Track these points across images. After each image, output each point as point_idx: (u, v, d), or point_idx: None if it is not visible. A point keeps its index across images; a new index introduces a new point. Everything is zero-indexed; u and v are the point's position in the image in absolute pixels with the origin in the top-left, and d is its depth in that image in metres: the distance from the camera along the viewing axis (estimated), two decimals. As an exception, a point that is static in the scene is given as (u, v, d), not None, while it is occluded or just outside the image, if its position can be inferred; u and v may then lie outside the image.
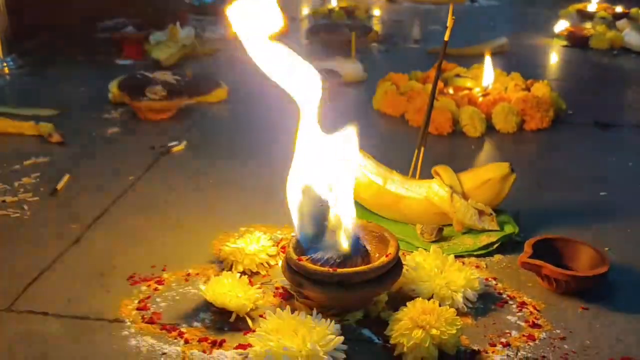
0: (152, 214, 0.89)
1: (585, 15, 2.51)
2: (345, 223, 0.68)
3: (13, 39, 1.69)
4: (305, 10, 2.69)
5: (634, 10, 2.45)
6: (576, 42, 2.05)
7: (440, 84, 1.40)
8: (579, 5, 2.60)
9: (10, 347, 0.62)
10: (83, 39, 1.91)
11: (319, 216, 0.68)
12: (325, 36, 1.87)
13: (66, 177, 0.98)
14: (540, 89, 1.33)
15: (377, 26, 2.37)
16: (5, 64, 1.64)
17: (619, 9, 2.54)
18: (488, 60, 1.36)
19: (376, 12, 2.67)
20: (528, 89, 1.37)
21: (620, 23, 2.16)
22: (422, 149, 0.85)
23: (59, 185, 0.96)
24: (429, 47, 1.96)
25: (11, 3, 1.72)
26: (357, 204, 0.87)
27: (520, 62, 1.77)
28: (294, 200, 0.69)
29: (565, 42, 2.07)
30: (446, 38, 0.78)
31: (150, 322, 0.66)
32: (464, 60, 1.63)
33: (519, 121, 1.25)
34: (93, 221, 0.87)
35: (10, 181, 0.98)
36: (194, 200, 0.94)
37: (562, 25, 2.21)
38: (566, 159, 1.13)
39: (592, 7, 2.56)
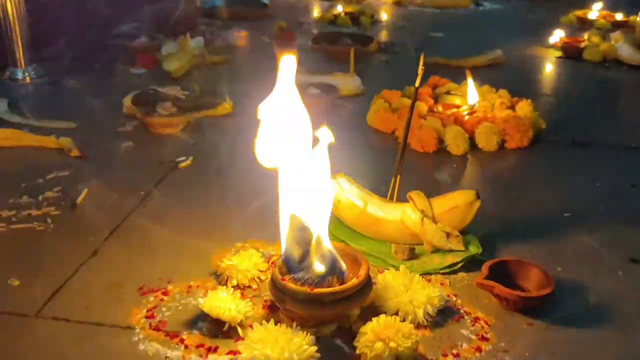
0: (159, 228, 1.00)
1: (585, 23, 2.57)
2: (324, 247, 0.79)
3: (33, 47, 1.80)
4: (315, 13, 2.78)
5: (632, 18, 2.51)
6: (570, 53, 2.11)
7: (430, 101, 1.50)
8: (579, 12, 2.66)
9: (37, 348, 0.74)
10: (99, 46, 2.01)
11: (303, 240, 0.79)
12: (327, 47, 1.97)
13: (84, 192, 1.10)
14: (523, 108, 1.43)
15: (381, 33, 2.45)
16: (27, 74, 1.75)
17: (619, 15, 2.60)
18: (470, 82, 1.46)
19: (383, 15, 2.75)
20: (513, 107, 1.47)
21: (614, 35, 2.23)
22: (399, 177, 0.95)
23: (79, 200, 1.08)
24: (428, 56, 2.04)
25: (31, 9, 1.81)
26: (343, 224, 0.99)
27: (513, 75, 1.86)
28: (283, 224, 0.80)
29: (559, 53, 2.15)
30: (417, 84, 0.88)
31: (156, 329, 0.77)
32: (458, 74, 1.73)
33: (500, 140, 1.35)
34: (109, 235, 0.99)
35: (34, 194, 1.10)
36: (196, 216, 1.05)
37: (557, 36, 2.28)
38: (539, 179, 1.23)
39: (592, 15, 2.62)
